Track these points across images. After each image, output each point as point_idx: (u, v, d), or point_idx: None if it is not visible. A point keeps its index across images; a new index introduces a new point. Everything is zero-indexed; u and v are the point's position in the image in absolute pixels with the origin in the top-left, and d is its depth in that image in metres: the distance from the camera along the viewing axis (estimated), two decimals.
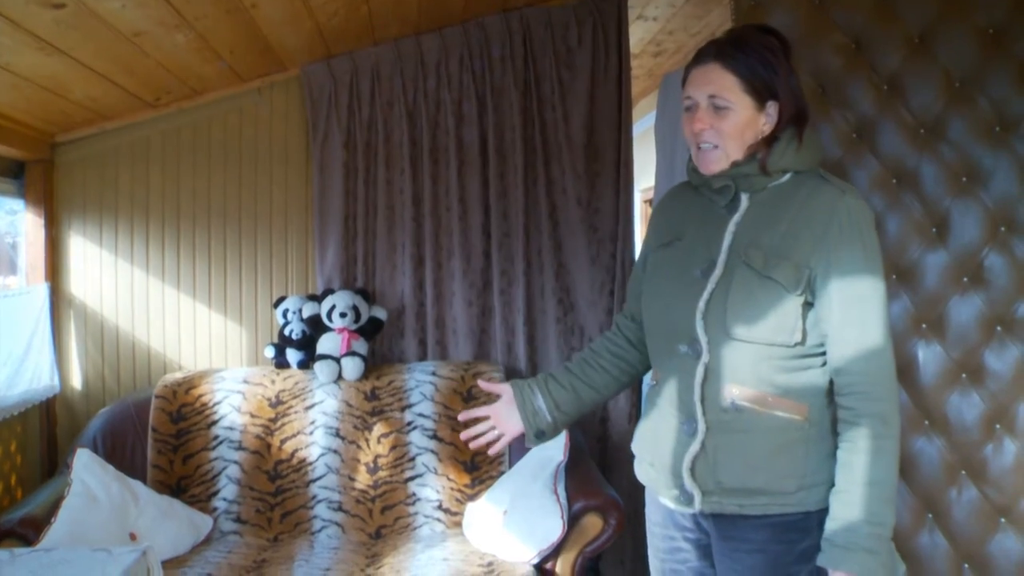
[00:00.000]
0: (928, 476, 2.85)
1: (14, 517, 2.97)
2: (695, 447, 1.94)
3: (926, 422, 2.85)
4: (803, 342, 1.89)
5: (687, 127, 2.01)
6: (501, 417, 2.24)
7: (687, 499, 1.98)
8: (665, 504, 2.09)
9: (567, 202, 4.04)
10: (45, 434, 3.87)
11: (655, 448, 2.07)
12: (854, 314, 1.87)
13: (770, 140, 1.96)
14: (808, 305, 1.89)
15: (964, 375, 2.83)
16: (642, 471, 2.16)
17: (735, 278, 1.92)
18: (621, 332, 2.30)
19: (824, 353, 1.92)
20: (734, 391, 1.91)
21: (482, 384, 2.32)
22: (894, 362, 1.89)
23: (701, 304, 1.94)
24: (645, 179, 5.20)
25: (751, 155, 1.97)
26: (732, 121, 1.94)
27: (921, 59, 2.83)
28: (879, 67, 2.86)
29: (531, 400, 2.21)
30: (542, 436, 2.23)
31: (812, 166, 2.00)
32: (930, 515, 2.85)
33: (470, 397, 3.67)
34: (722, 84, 1.93)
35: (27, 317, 3.71)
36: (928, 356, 2.85)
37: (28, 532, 2.90)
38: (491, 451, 2.27)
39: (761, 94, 1.93)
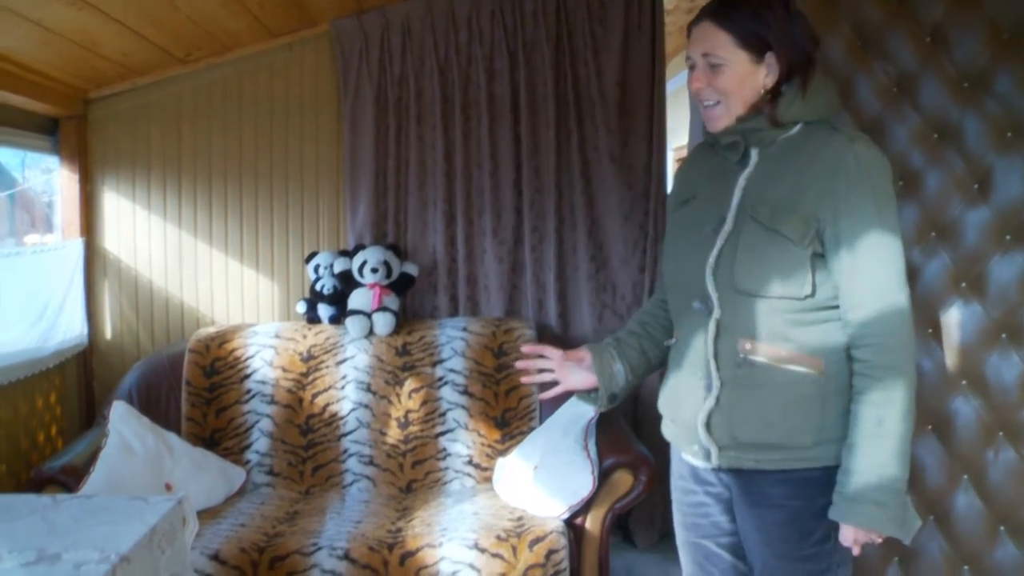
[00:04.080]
0: (964, 437, 2.81)
1: (56, 465, 3.05)
2: (710, 402, 1.95)
3: (964, 382, 2.81)
4: (814, 295, 1.87)
5: (688, 87, 2.01)
6: (565, 369, 2.23)
7: (704, 454, 2.00)
8: (687, 460, 2.10)
9: (599, 159, 4.01)
10: (82, 387, 3.94)
11: (676, 405, 2.08)
12: (864, 265, 1.84)
13: (775, 92, 1.93)
14: (818, 257, 1.87)
15: (1004, 335, 2.78)
16: (666, 428, 2.17)
17: (743, 233, 1.91)
18: (664, 286, 2.29)
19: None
20: (746, 346, 1.90)
21: (567, 354, 2.27)
22: (909, 314, 1.86)
23: (711, 260, 1.94)
24: (679, 137, 5.15)
25: (756, 109, 1.95)
26: (727, 77, 1.92)
27: (967, 9, 2.75)
28: (922, 18, 2.79)
29: (609, 364, 2.23)
30: (614, 400, 2.26)
31: (823, 116, 1.96)
32: (966, 476, 2.81)
33: (501, 353, 3.67)
34: (715, 41, 1.92)
35: (62, 272, 3.75)
36: (967, 315, 2.80)
37: (69, 480, 2.97)
38: (542, 396, 2.33)
39: (755, 47, 1.91)
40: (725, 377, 1.93)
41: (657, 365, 2.31)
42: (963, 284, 2.80)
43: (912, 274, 2.58)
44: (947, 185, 2.80)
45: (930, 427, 2.81)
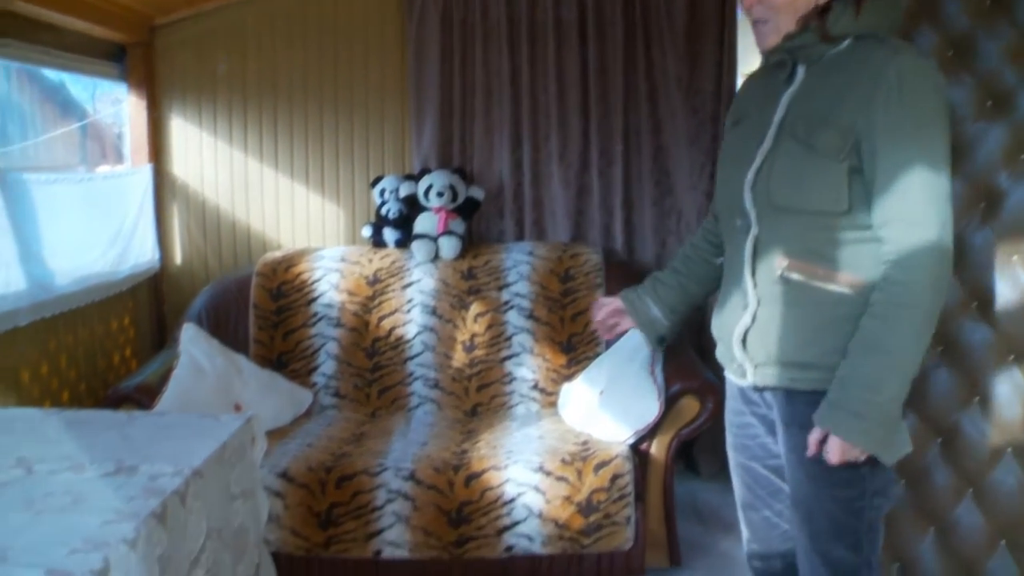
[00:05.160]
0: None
1: (130, 384, 3.12)
2: (747, 319, 1.93)
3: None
4: (851, 211, 1.81)
5: (740, 4, 1.95)
6: (622, 315, 2.38)
7: (741, 372, 1.99)
8: (732, 379, 2.10)
9: (667, 83, 3.93)
10: (154, 310, 4.02)
11: (721, 324, 2.07)
12: (898, 181, 1.76)
13: (826, 7, 1.86)
14: (856, 172, 1.81)
15: None
16: (717, 349, 2.15)
17: (780, 149, 1.87)
18: (715, 218, 2.29)
19: None
20: (783, 263, 1.87)
21: (595, 313, 2.43)
22: (940, 248, 1.76)
23: (749, 176, 1.91)
24: (750, 63, 4.99)
25: (806, 24, 1.87)
26: None
27: None
28: None
29: (645, 311, 2.31)
30: (663, 341, 2.34)
31: (877, 30, 1.87)
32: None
33: (567, 278, 3.64)
34: None
35: (133, 198, 3.79)
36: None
37: (143, 398, 3.03)
38: (606, 336, 2.49)
39: None
40: (762, 294, 1.91)
41: (703, 298, 2.34)
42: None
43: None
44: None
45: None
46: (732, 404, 2.16)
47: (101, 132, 4.14)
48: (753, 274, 1.92)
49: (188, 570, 1.95)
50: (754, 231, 1.91)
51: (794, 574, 2.08)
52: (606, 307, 2.40)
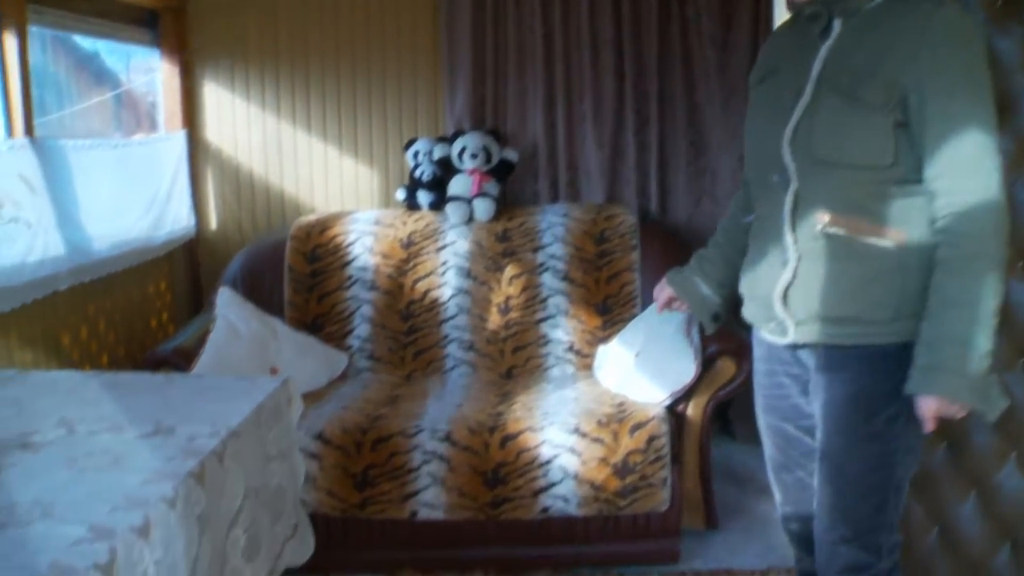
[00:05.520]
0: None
1: (168, 347, 3.16)
2: (787, 276, 1.91)
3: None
4: (896, 164, 1.80)
5: None
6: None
7: (781, 330, 1.96)
8: (765, 338, 2.07)
9: (702, 42, 3.89)
10: (190, 274, 4.04)
11: (754, 282, 2.05)
12: (949, 133, 1.75)
13: None
14: (901, 126, 1.79)
15: None
16: (746, 308, 2.13)
17: (822, 102, 1.85)
18: (747, 187, 2.26)
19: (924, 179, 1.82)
20: (824, 218, 1.85)
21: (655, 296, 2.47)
22: (998, 184, 1.76)
23: (788, 131, 1.89)
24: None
25: None
26: None
27: None
28: None
29: (695, 291, 2.32)
30: (718, 319, 2.35)
31: None
32: (1022, 360, 2.61)
33: (602, 239, 3.62)
34: None
35: (167, 163, 3.81)
36: None
37: (180, 361, 3.06)
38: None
39: None
40: (803, 250, 1.89)
41: None
42: None
43: None
44: None
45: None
46: (763, 365, 2.15)
47: (135, 101, 4.15)
48: (793, 230, 1.89)
49: (227, 529, 1.97)
50: (794, 186, 1.88)
51: None
52: (665, 295, 2.41)
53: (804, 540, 2.15)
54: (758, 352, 2.16)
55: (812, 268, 1.88)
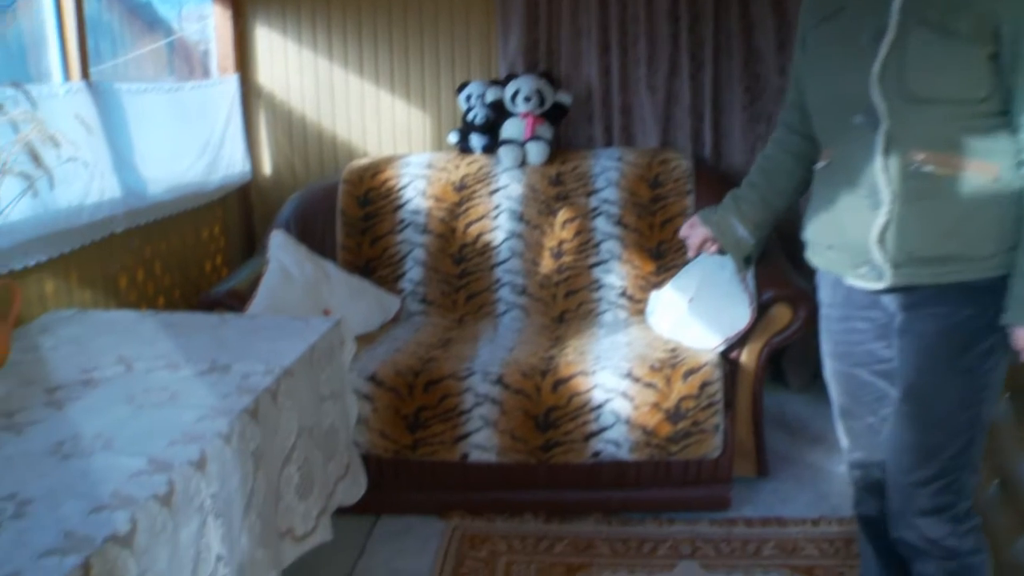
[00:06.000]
0: None
1: (222, 290, 3.18)
2: (881, 219, 1.85)
3: None
4: (988, 97, 1.75)
5: None
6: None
7: (876, 274, 1.90)
8: (850, 284, 2.00)
9: None
10: (243, 218, 4.06)
11: (834, 228, 1.98)
12: None
13: None
14: (993, 58, 1.73)
15: None
16: (818, 255, 2.07)
17: (911, 37, 1.78)
18: (790, 127, 2.21)
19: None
20: (919, 156, 1.79)
21: (684, 235, 2.39)
22: None
23: (875, 69, 1.81)
24: None
25: None
26: None
27: None
28: None
29: (731, 232, 2.26)
30: (750, 261, 2.30)
31: None
32: None
33: (656, 184, 3.57)
34: None
35: (220, 107, 3.82)
36: None
37: (234, 303, 3.09)
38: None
39: None
40: (896, 191, 1.82)
41: (785, 211, 2.28)
42: None
43: None
44: None
45: None
46: (838, 311, 2.08)
47: (188, 50, 4.15)
48: (885, 171, 1.83)
49: (281, 466, 2.00)
50: (885, 126, 1.82)
51: None
52: (698, 236, 2.34)
53: (872, 486, 2.13)
54: (831, 298, 2.10)
55: (908, 209, 1.82)
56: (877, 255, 1.86)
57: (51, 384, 1.96)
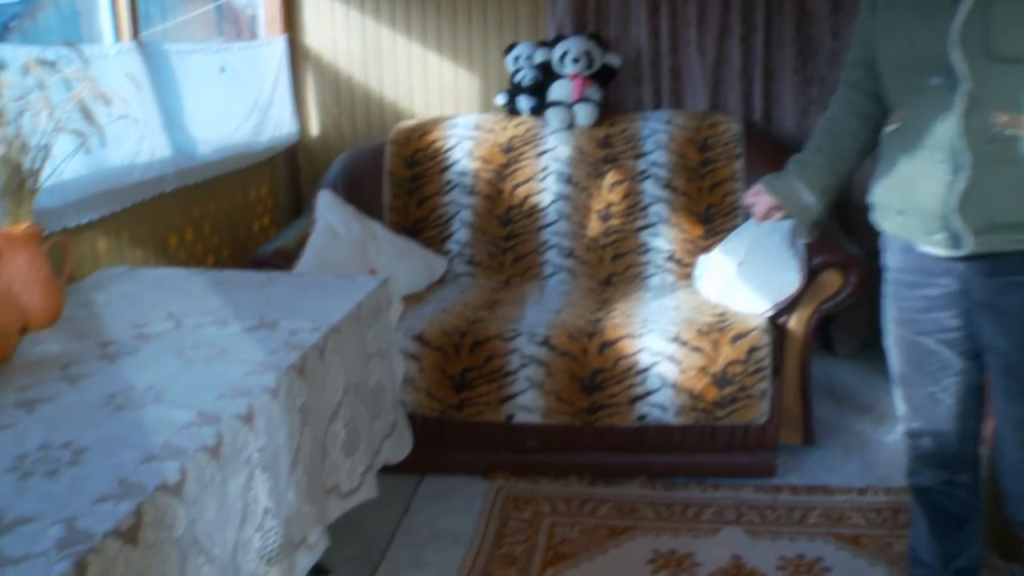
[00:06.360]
0: None
1: (269, 249, 3.21)
2: (961, 185, 1.78)
3: None
4: None
5: None
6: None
7: (953, 242, 1.83)
8: (923, 250, 1.94)
9: None
10: (291, 179, 4.09)
11: (907, 193, 1.92)
12: None
13: None
14: None
15: None
16: (888, 220, 2.02)
17: None
18: (854, 86, 2.14)
19: None
20: (1002, 119, 1.73)
21: (749, 203, 2.33)
22: None
23: (956, 27, 1.75)
24: None
25: None
26: None
27: None
28: None
29: (797, 199, 2.21)
30: (817, 227, 2.25)
31: None
32: None
33: (706, 147, 3.53)
34: None
35: (268, 68, 3.82)
36: None
37: (281, 262, 3.11)
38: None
39: None
40: (977, 155, 1.76)
41: (850, 176, 2.22)
42: None
43: None
44: None
45: None
46: (908, 276, 2.02)
47: (235, 13, 4.17)
48: (966, 133, 1.77)
49: (327, 423, 2.01)
50: (966, 87, 1.75)
51: (953, 450, 2.05)
52: (764, 204, 2.28)
53: (929, 457, 2.10)
54: (900, 263, 2.04)
55: (990, 173, 1.76)
56: (956, 222, 1.80)
57: (104, 339, 1.99)
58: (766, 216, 2.30)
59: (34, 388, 1.71)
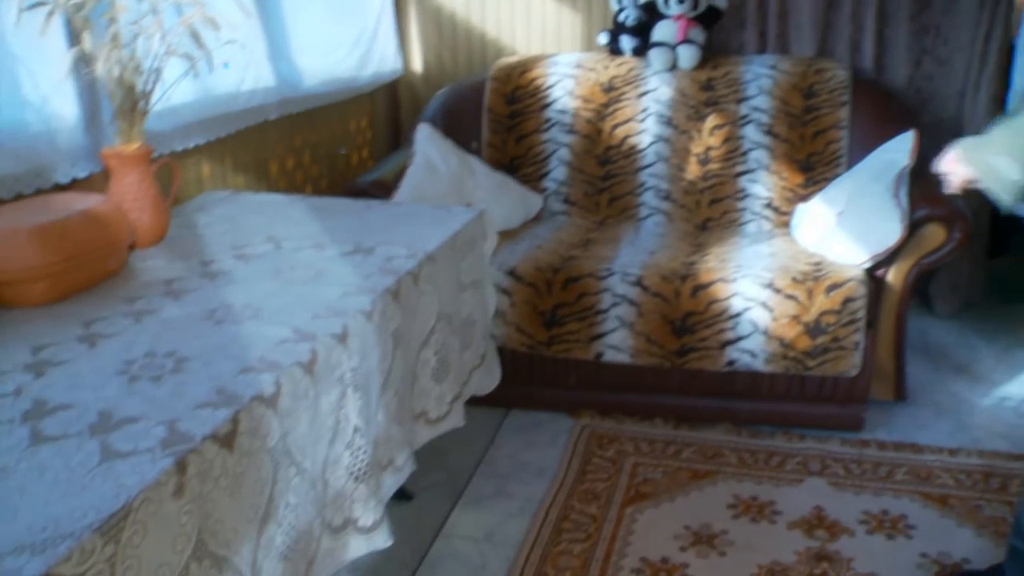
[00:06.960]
0: None
1: (367, 179, 3.25)
2: None
3: None
4: None
5: None
6: None
7: None
8: None
9: None
10: (391, 112, 4.11)
11: None
12: None
13: None
14: None
15: None
16: None
17: None
18: None
19: None
20: None
21: (945, 170, 2.07)
22: None
23: None
24: None
25: None
26: None
27: None
28: None
29: (999, 175, 1.92)
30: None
31: None
32: None
33: (811, 94, 3.44)
34: None
35: (373, 3, 3.83)
36: None
37: (379, 193, 3.14)
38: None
39: None
40: None
41: None
42: None
43: None
44: None
45: None
46: None
47: None
48: None
49: (419, 349, 2.05)
50: None
51: None
52: (960, 176, 2.02)
53: None
54: None
55: None
56: None
57: (206, 258, 2.05)
58: (962, 187, 2.05)
59: (141, 300, 1.78)
